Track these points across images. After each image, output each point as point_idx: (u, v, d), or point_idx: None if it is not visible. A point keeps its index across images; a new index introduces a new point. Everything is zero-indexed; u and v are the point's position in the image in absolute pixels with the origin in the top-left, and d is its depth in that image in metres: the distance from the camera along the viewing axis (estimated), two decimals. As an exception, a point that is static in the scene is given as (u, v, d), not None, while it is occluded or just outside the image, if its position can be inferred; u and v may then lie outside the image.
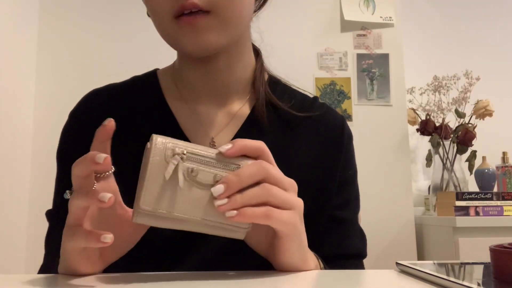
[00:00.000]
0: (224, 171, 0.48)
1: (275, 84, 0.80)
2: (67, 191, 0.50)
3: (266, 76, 0.79)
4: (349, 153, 0.79)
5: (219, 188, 0.47)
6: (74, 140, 0.74)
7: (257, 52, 0.80)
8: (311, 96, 0.82)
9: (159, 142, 0.47)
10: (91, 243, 0.47)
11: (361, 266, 0.77)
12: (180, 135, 0.72)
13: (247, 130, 0.73)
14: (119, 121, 0.74)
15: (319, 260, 0.63)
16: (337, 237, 0.74)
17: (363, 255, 0.78)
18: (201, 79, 0.74)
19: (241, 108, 0.75)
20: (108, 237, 0.46)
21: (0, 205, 1.86)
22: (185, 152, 0.47)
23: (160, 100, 0.75)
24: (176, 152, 0.47)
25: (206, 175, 0.47)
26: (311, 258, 0.59)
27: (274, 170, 0.52)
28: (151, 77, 0.79)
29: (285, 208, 0.51)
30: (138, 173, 0.50)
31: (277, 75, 0.83)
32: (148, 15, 0.77)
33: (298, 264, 0.55)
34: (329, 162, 0.75)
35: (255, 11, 0.78)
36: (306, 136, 0.75)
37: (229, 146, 0.49)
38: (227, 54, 0.72)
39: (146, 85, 0.78)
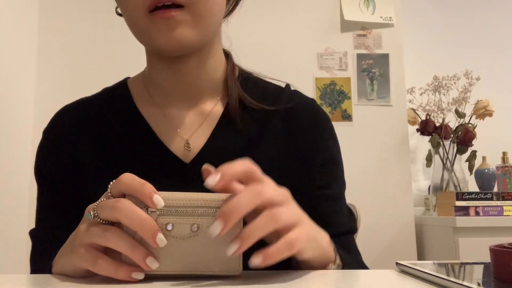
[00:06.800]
0: (203, 217, 0.47)
1: (246, 79, 0.79)
2: (91, 212, 0.48)
3: (237, 73, 0.79)
4: (327, 134, 0.79)
5: (215, 227, 0.44)
6: (50, 158, 0.75)
7: (226, 54, 0.80)
8: (283, 85, 0.82)
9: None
10: (120, 277, 0.46)
11: (351, 241, 0.76)
12: (155, 140, 0.72)
13: (221, 129, 0.73)
14: (93, 134, 0.74)
15: (336, 252, 0.60)
16: (324, 216, 0.71)
17: (353, 230, 0.78)
18: (171, 80, 0.73)
19: (214, 107, 0.75)
20: (140, 275, 0.46)
21: (0, 205, 1.86)
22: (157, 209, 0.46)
23: (132, 108, 0.75)
24: (151, 210, 0.46)
25: (182, 228, 0.47)
26: (328, 247, 0.58)
27: (268, 191, 0.47)
28: (121, 86, 0.79)
29: (292, 226, 0.48)
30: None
31: (249, 69, 0.83)
32: (117, 13, 0.76)
33: (320, 262, 0.55)
34: (308, 147, 0.75)
35: (225, 16, 0.78)
36: (280, 128, 0.75)
37: (217, 179, 0.46)
38: (199, 54, 0.72)
39: (117, 95, 0.78)
